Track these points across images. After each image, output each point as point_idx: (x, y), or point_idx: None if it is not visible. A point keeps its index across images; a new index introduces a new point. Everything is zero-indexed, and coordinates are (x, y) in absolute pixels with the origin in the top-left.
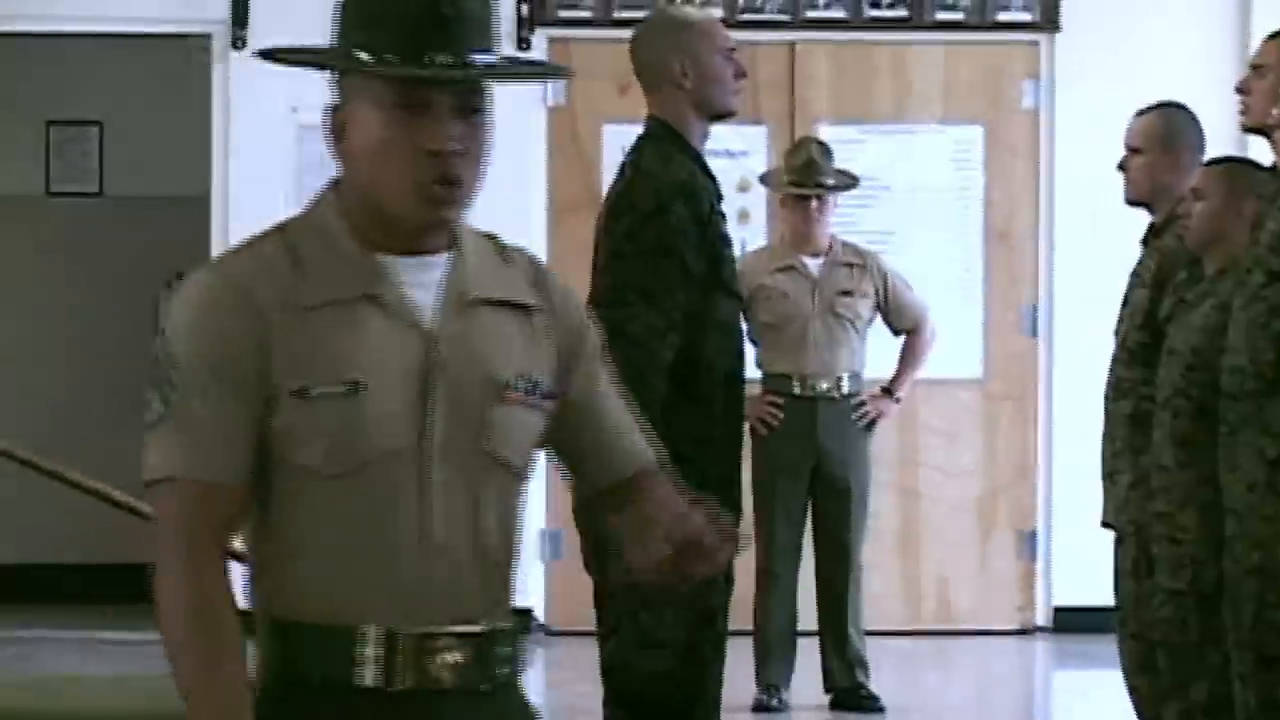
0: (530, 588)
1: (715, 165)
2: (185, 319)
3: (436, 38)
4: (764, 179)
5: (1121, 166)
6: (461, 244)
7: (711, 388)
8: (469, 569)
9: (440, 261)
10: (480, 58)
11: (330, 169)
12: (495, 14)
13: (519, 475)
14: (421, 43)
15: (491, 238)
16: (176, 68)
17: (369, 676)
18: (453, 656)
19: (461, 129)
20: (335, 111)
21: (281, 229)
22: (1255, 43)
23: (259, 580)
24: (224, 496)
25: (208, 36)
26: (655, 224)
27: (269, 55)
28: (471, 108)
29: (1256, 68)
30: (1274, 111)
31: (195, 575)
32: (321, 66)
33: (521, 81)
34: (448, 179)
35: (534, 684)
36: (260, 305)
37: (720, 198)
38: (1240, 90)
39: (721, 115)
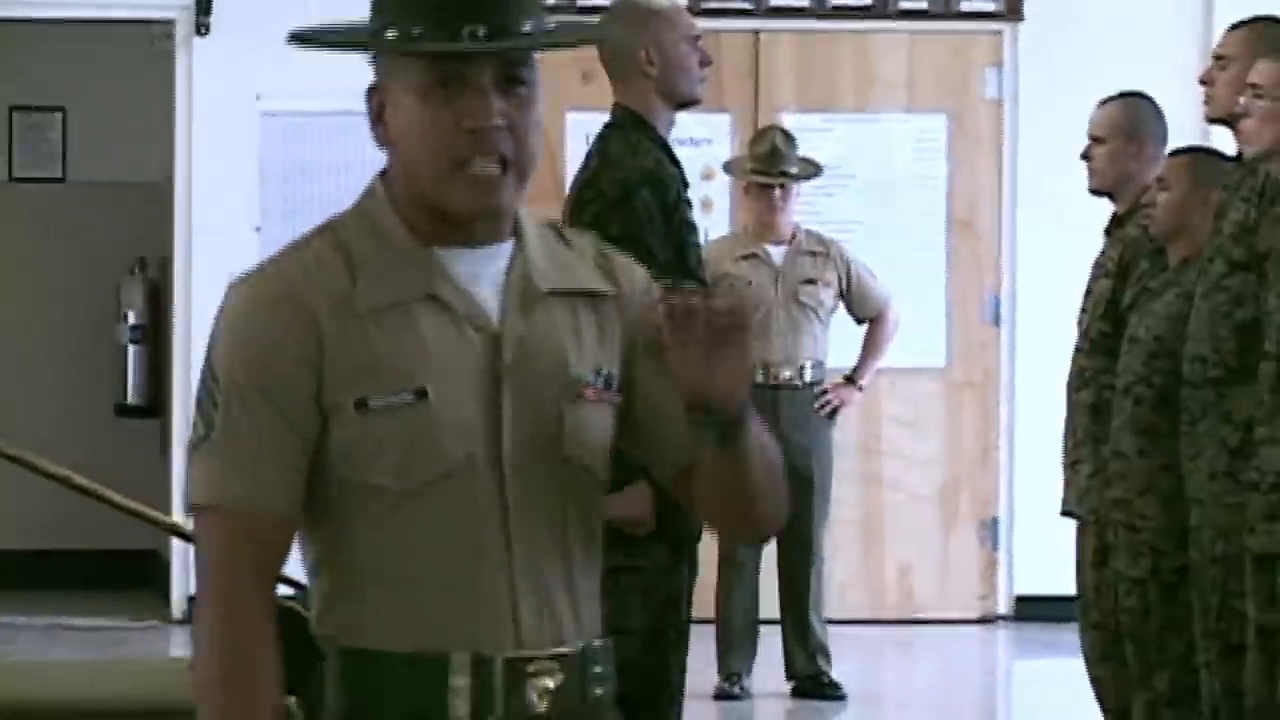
0: None
1: (678, 153)
2: (229, 332)
3: (470, 8)
4: (727, 167)
5: (1085, 156)
6: (524, 232)
7: None
8: (557, 585)
9: (502, 251)
10: (520, 26)
11: (289, 157)
12: None
13: (598, 481)
14: (454, 15)
15: (552, 224)
16: (140, 54)
17: (461, 708)
18: (548, 681)
19: (504, 103)
20: (373, 94)
21: (330, 227)
22: (1218, 33)
23: (328, 610)
24: (271, 527)
25: (171, 22)
26: (621, 211)
27: (298, 38)
28: (515, 79)
29: (1219, 58)
30: (1240, 100)
31: (233, 622)
32: (352, 48)
33: (560, 48)
34: (492, 156)
35: None
36: (311, 314)
37: (686, 185)
38: (1203, 81)
39: (687, 103)
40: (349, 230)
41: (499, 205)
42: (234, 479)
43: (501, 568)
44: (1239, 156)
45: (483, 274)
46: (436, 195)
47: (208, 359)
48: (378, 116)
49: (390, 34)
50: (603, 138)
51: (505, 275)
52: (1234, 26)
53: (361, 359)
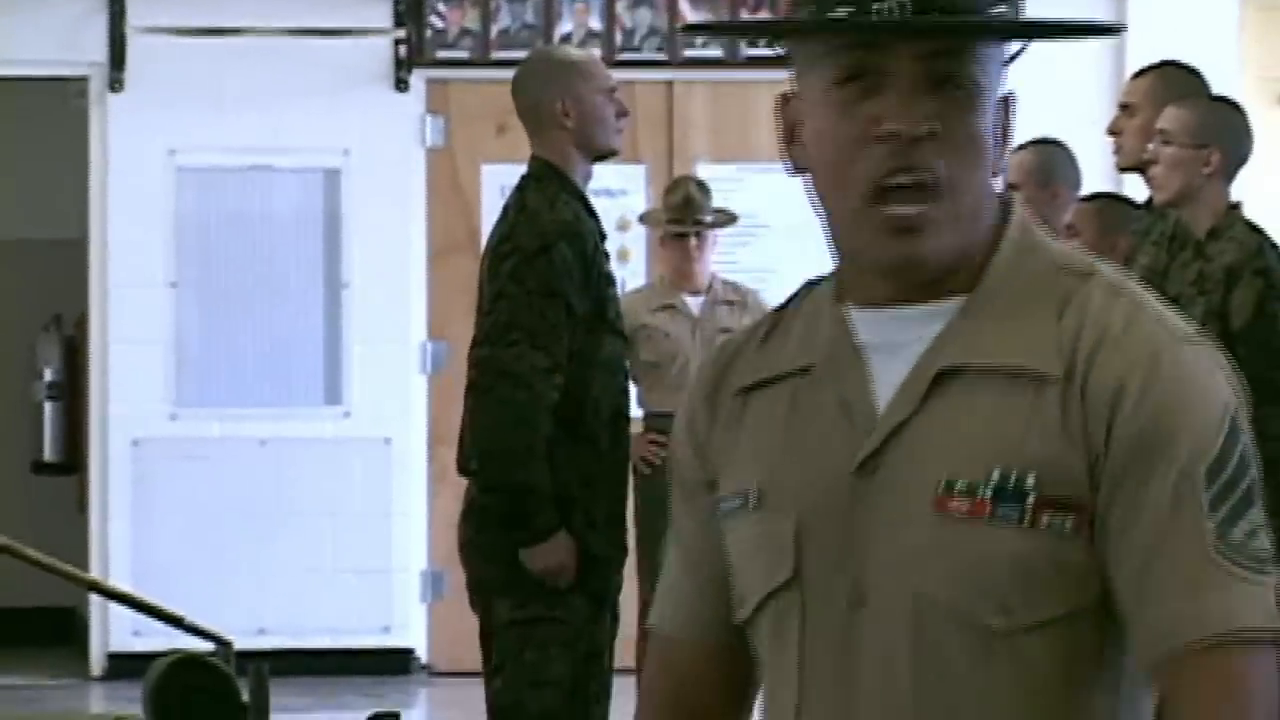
0: (412, 628)
1: (595, 204)
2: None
3: None
4: (643, 218)
5: None
6: (985, 281)
7: (596, 427)
8: None
9: (945, 311)
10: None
11: (205, 212)
12: None
13: (992, 632)
14: None
15: (1078, 270)
16: (54, 111)
17: None
18: None
19: (935, 105)
20: (784, 107)
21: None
22: None
23: None
24: (682, 653)
25: (85, 79)
26: (540, 264)
27: (698, 28)
28: (948, 77)
29: (1125, 107)
30: (1149, 147)
31: None
32: (756, 38)
33: (1023, 39)
34: (915, 173)
35: None
36: (712, 393)
37: (604, 237)
38: (1112, 132)
39: (605, 155)
40: (808, 287)
41: (925, 254)
42: (659, 592)
43: None
44: (1149, 203)
45: (907, 340)
46: (846, 237)
47: None
48: (789, 136)
49: (799, 15)
50: (520, 190)
51: (933, 342)
52: (1137, 74)
53: (722, 451)
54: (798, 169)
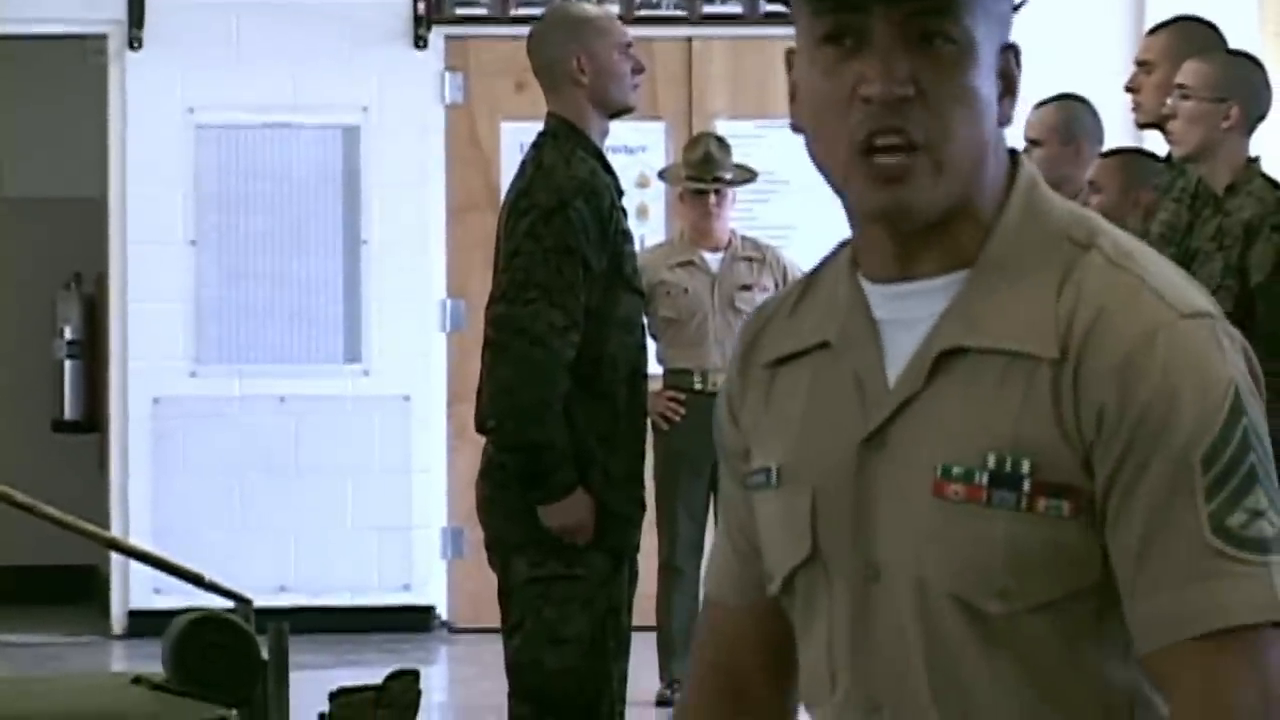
0: (432, 585)
1: (613, 161)
2: None
3: None
4: (663, 174)
5: None
6: (989, 249)
7: (614, 384)
8: None
9: (953, 284)
10: None
11: (224, 170)
12: None
13: (994, 614)
14: None
15: (1079, 240)
16: (74, 69)
17: None
18: None
19: (917, 63)
20: (790, 62)
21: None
22: None
23: None
24: (726, 617)
25: (104, 37)
26: (556, 221)
27: None
28: (933, 34)
29: (1143, 63)
30: (1168, 102)
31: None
32: None
33: None
34: (894, 134)
35: (437, 682)
36: (742, 364)
37: (621, 194)
38: (1130, 89)
39: (621, 111)
40: (834, 255)
41: (908, 206)
42: (709, 559)
43: (830, 707)
44: (1169, 158)
45: (922, 318)
46: (842, 194)
47: None
48: (793, 93)
49: None
50: (537, 147)
51: (935, 322)
52: (1153, 30)
53: (752, 423)
54: (797, 127)
